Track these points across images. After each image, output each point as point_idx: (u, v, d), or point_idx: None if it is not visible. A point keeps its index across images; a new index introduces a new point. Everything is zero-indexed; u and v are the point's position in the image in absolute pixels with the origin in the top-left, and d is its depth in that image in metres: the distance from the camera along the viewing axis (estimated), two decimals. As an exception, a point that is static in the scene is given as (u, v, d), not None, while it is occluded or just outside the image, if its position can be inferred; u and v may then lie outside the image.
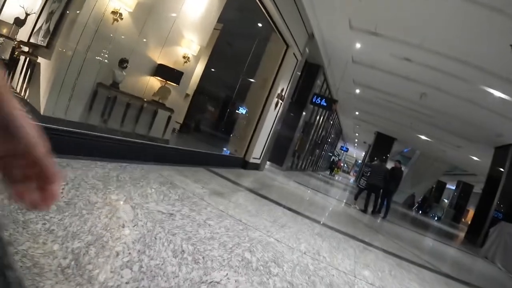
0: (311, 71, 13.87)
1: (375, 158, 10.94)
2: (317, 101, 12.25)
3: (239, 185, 6.56)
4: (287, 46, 9.66)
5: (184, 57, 6.31)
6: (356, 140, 36.10)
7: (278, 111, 10.35)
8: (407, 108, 15.63)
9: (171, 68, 5.93)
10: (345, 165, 68.81)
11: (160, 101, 6.05)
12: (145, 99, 5.81)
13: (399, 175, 10.64)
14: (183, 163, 6.32)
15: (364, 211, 10.02)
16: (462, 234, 21.14)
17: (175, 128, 10.13)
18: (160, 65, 5.79)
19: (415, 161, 29.42)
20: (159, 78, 5.89)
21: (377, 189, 10.13)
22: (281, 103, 10.30)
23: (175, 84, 6.13)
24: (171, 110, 6.39)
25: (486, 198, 15.47)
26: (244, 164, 9.57)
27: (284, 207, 6.02)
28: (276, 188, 8.06)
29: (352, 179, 48.24)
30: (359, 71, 13.19)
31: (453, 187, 42.74)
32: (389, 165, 11.69)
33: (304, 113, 13.76)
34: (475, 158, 21.58)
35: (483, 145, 17.20)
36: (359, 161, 59.04)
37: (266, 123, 9.84)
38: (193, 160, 6.95)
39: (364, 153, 40.78)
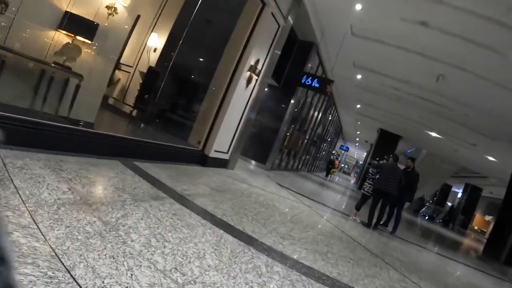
0: (302, 50, 11.34)
1: (385, 156, 8.22)
2: (308, 82, 9.72)
3: (166, 189, 4.05)
4: (263, 4, 7.14)
5: (108, 7, 4.54)
6: (357, 139, 33.50)
7: (252, 91, 7.81)
8: (418, 97, 13.06)
9: (80, 17, 4.24)
10: (346, 165, 66.19)
11: (66, 64, 4.30)
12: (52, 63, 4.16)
13: (414, 179, 8.10)
14: (104, 154, 4.48)
15: (368, 225, 7.48)
16: (476, 245, 18.64)
17: (132, 111, 8.06)
18: (68, 13, 4.11)
19: (421, 162, 26.77)
20: (66, 32, 4.24)
21: (388, 197, 7.61)
22: (256, 80, 7.77)
23: (87, 40, 4.45)
24: (79, 76, 4.43)
25: (509, 205, 13.01)
26: (202, 160, 7.06)
27: (232, 230, 3.50)
28: (239, 195, 5.54)
29: (352, 180, 45.75)
30: (360, 48, 10.63)
31: (459, 190, 40.39)
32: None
33: (292, 101, 11.21)
34: (491, 158, 19.04)
35: (504, 143, 14.68)
36: (360, 162, 56.58)
37: (235, 105, 7.33)
38: (118, 151, 4.87)
39: (365, 153, 38.22)
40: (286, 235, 4.21)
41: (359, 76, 13.36)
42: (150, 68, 8.57)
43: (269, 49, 7.86)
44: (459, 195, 40.40)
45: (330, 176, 25.30)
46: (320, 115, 17.84)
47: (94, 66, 4.72)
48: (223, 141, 7.47)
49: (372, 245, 5.81)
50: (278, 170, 12.91)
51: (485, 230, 36.16)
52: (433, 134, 18.25)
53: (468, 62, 9.04)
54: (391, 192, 7.36)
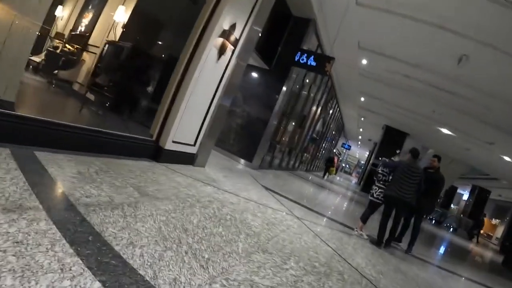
0: (297, 28, 9.54)
1: (397, 152, 6.46)
2: (303, 60, 7.91)
3: (48, 194, 2.29)
4: None
5: None
6: (360, 137, 31.62)
7: (227, 66, 6.00)
8: (432, 86, 11.23)
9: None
10: (347, 165, 64.26)
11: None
12: None
13: (438, 183, 6.29)
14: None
15: (378, 243, 5.67)
16: (490, 254, 16.84)
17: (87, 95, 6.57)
18: None
19: (427, 162, 24.94)
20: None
21: (404, 207, 5.81)
22: (232, 51, 5.95)
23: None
24: None
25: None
26: (156, 153, 5.27)
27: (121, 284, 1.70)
28: (188, 205, 3.77)
29: (354, 180, 43.96)
30: (366, 22, 8.83)
31: (464, 192, 38.53)
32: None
33: (285, 88, 9.38)
34: (507, 159, 17.21)
35: (527, 141, 12.98)
36: (362, 162, 54.70)
37: (202, 82, 5.53)
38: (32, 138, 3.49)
39: (368, 153, 36.37)
40: (246, 281, 2.41)
41: (364, 61, 11.52)
42: (108, 44, 6.85)
43: (251, 10, 6.04)
44: (465, 197, 38.64)
45: (327, 176, 21.77)
46: (319, 109, 16.01)
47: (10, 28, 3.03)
48: (186, 130, 5.67)
49: (388, 279, 4.00)
50: (270, 169, 11.10)
51: (492, 234, 34.62)
52: (445, 130, 16.40)
53: (501, 38, 7.23)
54: (408, 200, 5.53)
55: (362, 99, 16.93)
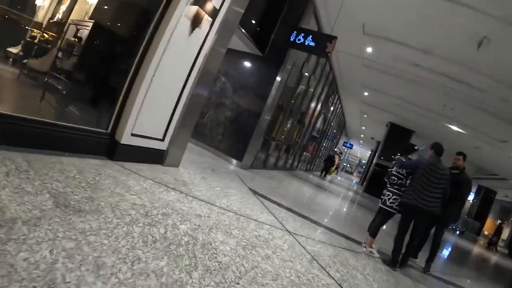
0: (293, 10, 8.37)
1: (415, 147, 5.00)
2: (299, 40, 6.78)
3: None
4: None
5: None
6: (362, 135, 30.44)
7: (204, 41, 4.85)
8: (444, 75, 10.07)
9: None
10: (348, 164, 63.04)
11: None
12: None
13: (465, 186, 5.10)
14: None
15: (393, 263, 4.50)
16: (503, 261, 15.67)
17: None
18: None
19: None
20: None
21: (426, 217, 4.63)
22: (210, 23, 4.80)
23: None
24: None
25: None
26: (111, 149, 4.15)
27: None
28: (128, 221, 2.71)
29: (355, 179, 42.78)
30: (372, 1, 7.67)
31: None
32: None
33: (279, 78, 8.21)
34: (520, 158, 16.13)
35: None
36: (364, 161, 53.48)
37: (170, 61, 4.38)
38: None
39: (370, 152, 35.18)
40: None
41: (369, 49, 10.35)
42: (70, 25, 5.70)
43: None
44: (469, 197, 37.46)
45: (323, 175, 19.70)
46: (320, 104, 14.85)
47: None
48: (150, 121, 4.52)
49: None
50: (264, 168, 9.94)
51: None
52: (454, 127, 15.23)
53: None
54: (432, 210, 4.36)
55: (366, 93, 15.75)
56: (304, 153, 16.07)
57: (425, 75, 10.53)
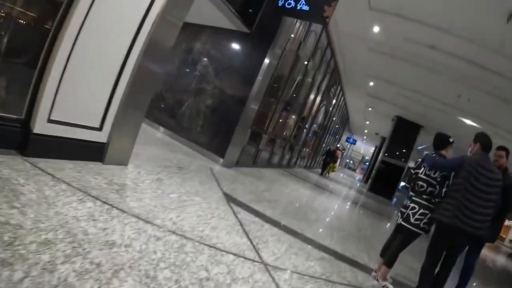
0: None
1: (451, 140, 3.58)
2: (289, 3, 5.44)
3: None
4: None
5: None
6: (366, 131, 29.03)
7: (150, 4, 3.55)
8: (464, 59, 8.72)
9: None
10: (351, 161, 61.57)
11: None
12: None
13: (509, 192, 3.73)
14: None
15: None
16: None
17: None
18: None
19: None
20: None
21: (468, 240, 3.45)
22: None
23: None
24: None
25: None
26: (23, 141, 2.89)
27: None
28: None
29: (358, 176, 41.40)
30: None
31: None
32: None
33: (268, 60, 6.85)
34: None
35: None
36: (367, 157, 52.02)
37: (101, 21, 3.07)
38: None
39: (374, 148, 33.79)
40: None
41: (376, 29, 8.99)
42: None
43: None
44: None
45: (326, 174, 17.26)
46: (320, 95, 13.50)
47: None
48: (77, 102, 3.24)
49: None
50: (254, 166, 8.65)
51: (505, 236, 32.70)
52: (468, 122, 13.87)
53: None
54: (481, 233, 3.01)
55: (371, 83, 14.37)
56: (304, 148, 14.69)
57: (440, 59, 9.17)
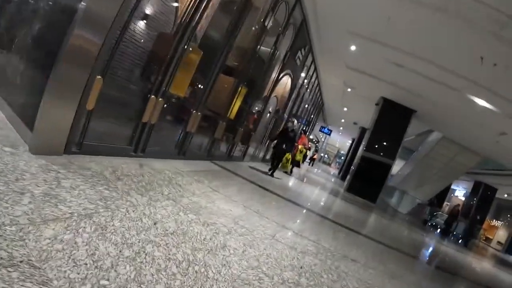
0: None
1: None
2: None
3: None
4: None
5: None
6: (343, 120, 25.27)
7: None
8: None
9: None
10: (326, 155, 58.04)
11: None
12: None
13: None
14: None
15: None
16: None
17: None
18: None
19: (430, 151, 18.70)
20: None
21: None
22: None
23: None
24: None
25: None
26: None
27: None
28: None
29: (333, 171, 37.86)
30: None
31: (458, 188, 33.01)
32: None
33: None
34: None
35: None
36: (343, 152, 48.67)
37: None
38: None
39: (351, 141, 30.17)
40: None
41: None
42: None
43: None
44: (461, 195, 33.20)
45: (271, 172, 9.28)
46: (281, 64, 9.53)
47: None
48: None
49: None
50: (135, 155, 4.57)
51: (491, 238, 30.31)
52: (481, 102, 10.17)
53: None
54: None
55: (353, 47, 10.45)
56: (252, 133, 9.91)
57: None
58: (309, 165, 25.99)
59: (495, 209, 29.24)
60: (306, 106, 17.03)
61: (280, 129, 11.34)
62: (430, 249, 10.36)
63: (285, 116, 12.88)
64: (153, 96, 4.52)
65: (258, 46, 7.74)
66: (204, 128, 7.06)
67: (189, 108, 6.02)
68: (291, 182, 10.43)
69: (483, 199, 25.39)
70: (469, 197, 27.44)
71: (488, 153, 16.59)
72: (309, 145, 11.44)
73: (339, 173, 30.22)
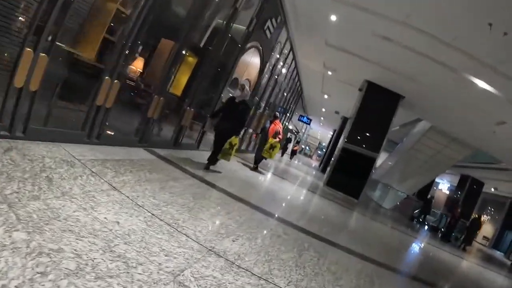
0: None
1: None
2: None
3: None
4: None
5: None
6: (324, 109, 23.65)
7: None
8: None
9: None
10: (307, 147, 56.47)
11: None
12: None
13: None
14: None
15: None
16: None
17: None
18: None
19: (417, 141, 17.26)
20: None
21: None
22: None
23: None
24: None
25: None
26: None
27: None
28: None
29: (314, 163, 36.34)
30: None
31: (442, 181, 32.16)
32: None
33: None
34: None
35: None
36: (324, 144, 47.25)
37: None
38: None
39: (332, 132, 28.62)
40: None
41: None
42: None
43: None
44: (445, 188, 32.32)
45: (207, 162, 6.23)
46: (246, 32, 7.74)
47: None
48: None
49: None
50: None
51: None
52: (483, 84, 8.60)
53: None
54: None
55: (333, 17, 8.70)
56: (208, 116, 7.49)
57: None
58: (290, 159, 24.11)
59: (483, 205, 28.41)
60: (283, 91, 15.26)
61: (224, 101, 7.73)
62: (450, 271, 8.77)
63: (256, 99, 11.07)
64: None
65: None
66: (133, 104, 5.30)
67: (102, 74, 4.20)
68: (258, 176, 8.63)
69: (469, 193, 24.32)
70: (454, 190, 26.38)
71: (481, 145, 15.16)
72: (282, 135, 9.20)
73: (319, 165, 28.72)
